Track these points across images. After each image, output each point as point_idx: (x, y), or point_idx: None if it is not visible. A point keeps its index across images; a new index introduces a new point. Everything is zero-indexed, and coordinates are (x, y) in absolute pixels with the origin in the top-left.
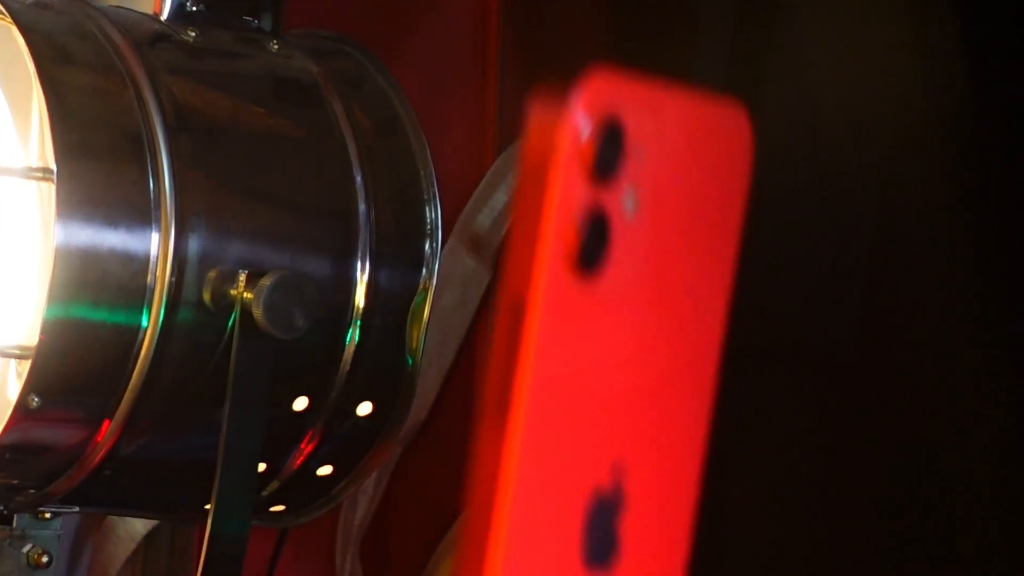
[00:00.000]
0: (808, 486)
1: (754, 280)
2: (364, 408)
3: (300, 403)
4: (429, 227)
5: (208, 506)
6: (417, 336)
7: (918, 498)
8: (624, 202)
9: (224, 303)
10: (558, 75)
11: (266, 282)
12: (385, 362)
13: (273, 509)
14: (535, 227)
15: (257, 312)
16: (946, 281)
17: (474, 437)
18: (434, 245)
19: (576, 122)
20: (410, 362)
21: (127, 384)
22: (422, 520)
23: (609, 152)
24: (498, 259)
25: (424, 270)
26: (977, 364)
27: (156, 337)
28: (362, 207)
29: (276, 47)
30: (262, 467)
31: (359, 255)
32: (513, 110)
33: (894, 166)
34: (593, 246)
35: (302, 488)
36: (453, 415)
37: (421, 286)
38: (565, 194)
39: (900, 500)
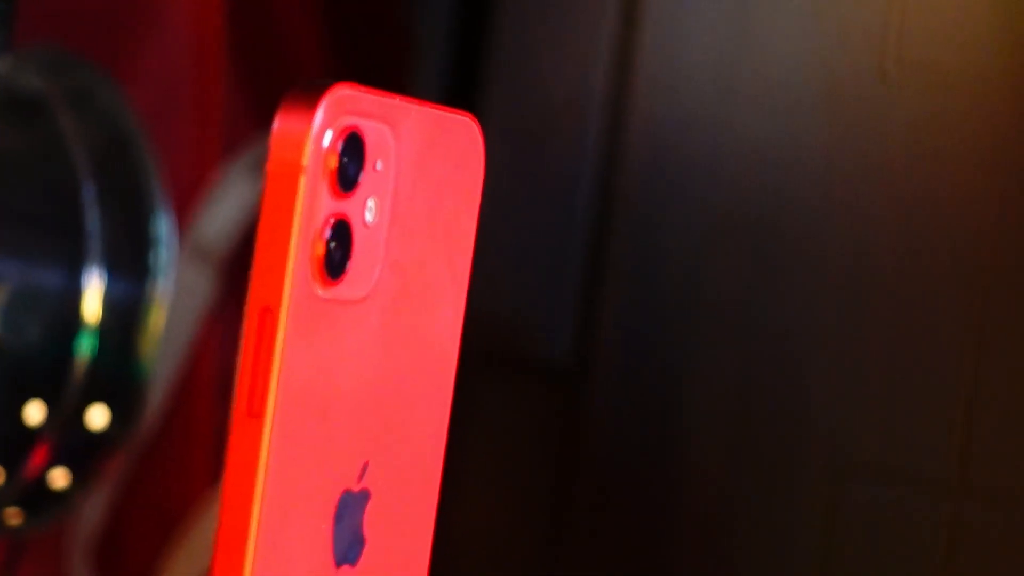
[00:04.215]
0: (530, 494)
1: (479, 285)
2: (97, 417)
3: (33, 414)
4: (159, 238)
5: None
6: (149, 346)
7: (641, 504)
8: (365, 211)
9: None
10: (288, 88)
11: None
12: (118, 372)
13: (8, 521)
14: (280, 237)
15: None
16: (673, 284)
17: (218, 444)
18: (165, 256)
19: (318, 133)
20: (143, 371)
21: None
22: (155, 527)
23: (350, 163)
24: (227, 269)
25: (155, 281)
26: (704, 368)
27: None
28: (92, 220)
29: (4, 63)
30: None
31: (91, 267)
32: (240, 123)
33: (618, 165)
34: (336, 255)
35: (37, 499)
36: (186, 423)
37: (152, 296)
38: (308, 204)
39: (621, 506)
